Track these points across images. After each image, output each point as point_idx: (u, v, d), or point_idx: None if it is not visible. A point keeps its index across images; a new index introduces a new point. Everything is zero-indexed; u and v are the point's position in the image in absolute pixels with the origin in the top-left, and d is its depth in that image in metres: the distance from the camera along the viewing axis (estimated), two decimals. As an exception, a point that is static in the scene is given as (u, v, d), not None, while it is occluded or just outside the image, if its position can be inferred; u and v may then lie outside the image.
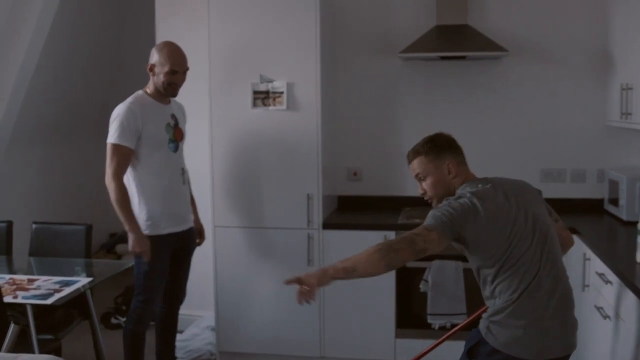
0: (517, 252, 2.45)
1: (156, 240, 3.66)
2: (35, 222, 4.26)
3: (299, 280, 2.37)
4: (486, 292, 2.55)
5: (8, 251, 4.22)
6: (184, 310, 4.65)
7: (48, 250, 4.15)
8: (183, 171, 3.80)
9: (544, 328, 2.43)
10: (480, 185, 2.54)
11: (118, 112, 3.59)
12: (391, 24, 4.62)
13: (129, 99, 3.65)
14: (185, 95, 4.06)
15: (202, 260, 4.40)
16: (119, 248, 6.43)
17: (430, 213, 2.48)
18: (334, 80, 4.61)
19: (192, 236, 3.94)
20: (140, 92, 3.71)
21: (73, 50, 5.52)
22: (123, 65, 6.08)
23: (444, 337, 3.28)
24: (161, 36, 4.73)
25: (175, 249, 3.80)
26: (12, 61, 4.85)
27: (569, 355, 2.52)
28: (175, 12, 4.82)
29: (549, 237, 2.53)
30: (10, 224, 4.26)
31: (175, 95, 3.75)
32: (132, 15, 5.81)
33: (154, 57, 3.66)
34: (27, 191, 5.72)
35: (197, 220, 4.04)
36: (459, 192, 2.58)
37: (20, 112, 5.13)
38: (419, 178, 2.71)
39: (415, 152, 2.71)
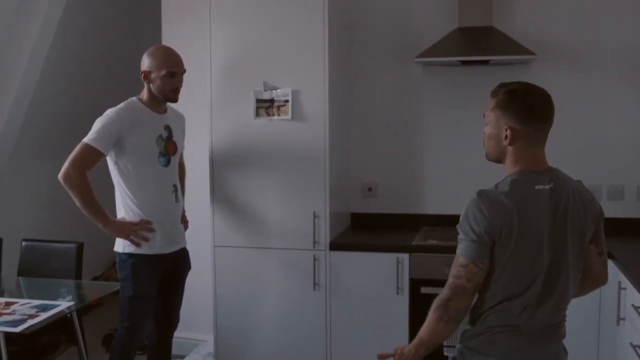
0: (523, 287, 2.09)
1: (142, 261, 3.36)
2: (24, 240, 4.02)
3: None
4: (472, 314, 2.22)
5: (-3, 270, 4.00)
6: (186, 334, 4.40)
7: (38, 270, 3.89)
8: (175, 188, 3.49)
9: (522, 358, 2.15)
10: (538, 187, 2.09)
11: (104, 115, 3.32)
12: (410, 27, 4.27)
13: (121, 105, 3.38)
14: (188, 105, 3.78)
15: (207, 281, 4.10)
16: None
17: (460, 234, 2.11)
18: (347, 88, 4.28)
19: (185, 258, 3.63)
20: (134, 98, 3.43)
21: (80, 57, 5.28)
22: (134, 74, 5.82)
23: None
24: (167, 43, 4.45)
25: (166, 271, 3.49)
26: (15, 68, 4.63)
27: None
28: (182, 17, 4.52)
29: (564, 278, 2.14)
30: (-1, 241, 4.04)
31: (176, 100, 3.46)
32: (142, 22, 5.54)
33: (146, 62, 3.39)
34: (35, 207, 5.49)
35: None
36: (506, 179, 2.12)
37: (24, 122, 4.92)
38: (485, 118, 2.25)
39: (493, 90, 2.22)
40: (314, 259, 3.85)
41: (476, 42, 3.97)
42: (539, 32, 4.09)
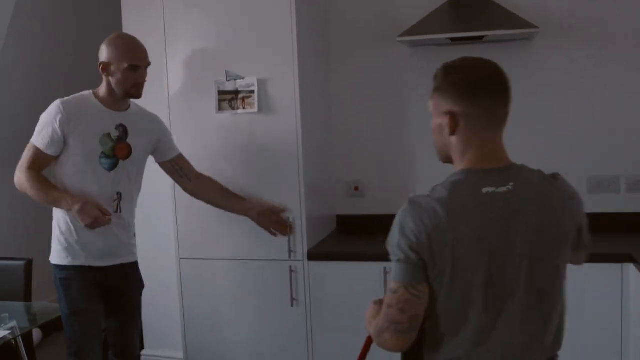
0: (482, 320, 1.64)
1: (71, 274, 2.94)
2: (-34, 257, 3.61)
3: None
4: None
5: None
6: (158, 352, 4.00)
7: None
8: (119, 196, 3.03)
9: None
10: (486, 189, 1.61)
11: (47, 110, 2.95)
12: (394, 2, 3.78)
13: (68, 97, 2.98)
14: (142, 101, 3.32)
15: (175, 296, 3.66)
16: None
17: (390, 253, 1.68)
18: (324, 74, 3.82)
19: (131, 275, 3.15)
20: (87, 92, 3.02)
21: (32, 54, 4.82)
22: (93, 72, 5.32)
23: None
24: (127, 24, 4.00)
25: (106, 290, 3.04)
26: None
27: None
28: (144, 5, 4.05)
29: (539, 295, 1.67)
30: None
31: (139, 96, 3.03)
32: (99, 17, 5.04)
33: (105, 53, 2.96)
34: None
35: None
36: (447, 181, 1.67)
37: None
38: None
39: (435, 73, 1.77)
40: (291, 271, 3.40)
41: (468, 15, 3.49)
42: (541, 3, 3.59)
